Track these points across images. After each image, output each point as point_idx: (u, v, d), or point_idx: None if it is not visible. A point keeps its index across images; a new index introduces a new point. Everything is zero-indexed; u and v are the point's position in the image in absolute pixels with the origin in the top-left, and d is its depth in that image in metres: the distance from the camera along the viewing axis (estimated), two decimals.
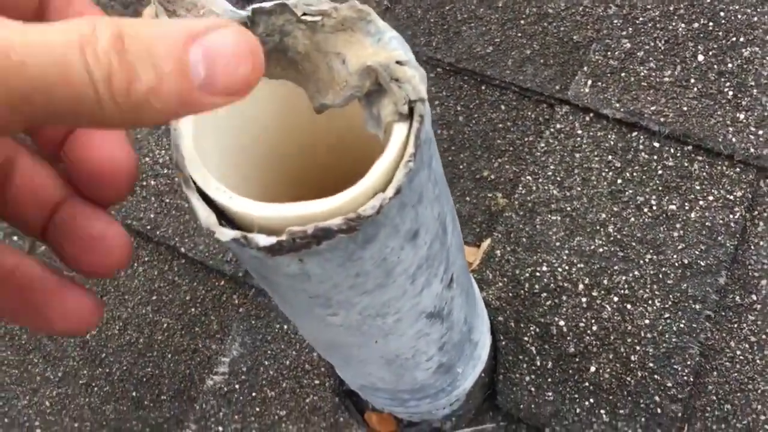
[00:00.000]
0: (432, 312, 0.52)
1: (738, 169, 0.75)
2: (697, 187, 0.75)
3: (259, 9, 0.36)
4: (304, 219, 0.33)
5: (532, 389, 0.73)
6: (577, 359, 0.73)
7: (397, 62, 0.35)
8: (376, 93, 0.37)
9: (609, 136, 0.79)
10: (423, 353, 0.57)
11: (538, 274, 0.76)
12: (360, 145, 0.46)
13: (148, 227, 0.92)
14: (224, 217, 0.35)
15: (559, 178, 0.79)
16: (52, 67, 0.22)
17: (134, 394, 0.89)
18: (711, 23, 0.80)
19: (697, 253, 0.73)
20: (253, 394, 0.83)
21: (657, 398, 0.70)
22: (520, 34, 0.86)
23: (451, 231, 0.50)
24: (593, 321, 0.73)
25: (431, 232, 0.44)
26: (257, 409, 0.82)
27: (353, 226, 0.34)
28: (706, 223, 0.73)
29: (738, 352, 0.70)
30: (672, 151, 0.77)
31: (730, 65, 0.78)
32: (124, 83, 0.23)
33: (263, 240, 0.33)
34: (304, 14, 0.37)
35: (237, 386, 0.84)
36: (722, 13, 0.80)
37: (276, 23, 0.37)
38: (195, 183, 0.35)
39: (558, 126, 0.81)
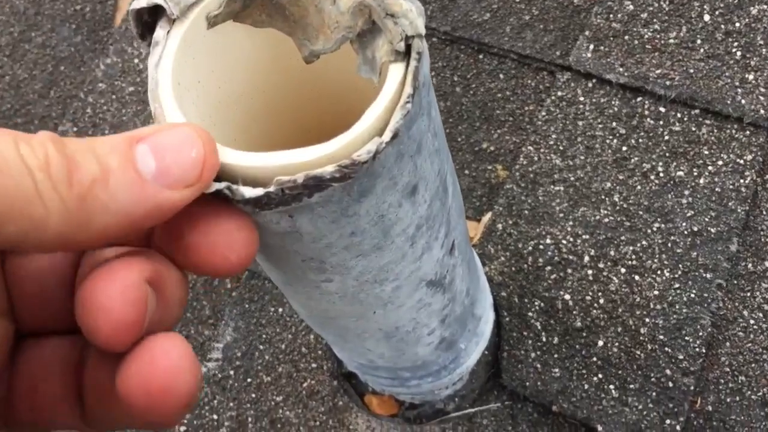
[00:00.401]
0: (433, 280, 0.49)
1: (748, 132, 0.72)
2: (706, 152, 0.72)
3: None
4: (294, 168, 0.30)
5: (538, 366, 0.70)
6: (584, 334, 0.70)
7: None
8: (369, 33, 0.35)
9: (613, 102, 0.76)
10: (424, 326, 0.54)
11: (541, 247, 0.73)
12: (355, 95, 0.43)
13: None
14: None
15: (561, 148, 0.76)
16: None
17: None
18: None
19: (706, 220, 0.70)
20: (249, 379, 0.80)
21: (668, 371, 0.67)
22: (518, 0, 0.83)
23: (452, 192, 0.47)
24: (600, 294, 0.70)
25: (431, 189, 0.42)
26: (253, 395, 0.79)
27: (347, 174, 0.31)
28: (716, 189, 0.70)
29: (751, 322, 0.67)
30: (678, 115, 0.74)
31: (737, 24, 0.75)
32: (64, 171, 0.21)
33: (249, 191, 0.30)
34: None
35: (231, 372, 0.81)
36: None
37: None
38: None
39: (559, 93, 0.78)
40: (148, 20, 0.34)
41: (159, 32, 0.34)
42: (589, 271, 0.71)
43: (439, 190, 0.43)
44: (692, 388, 0.66)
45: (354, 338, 0.56)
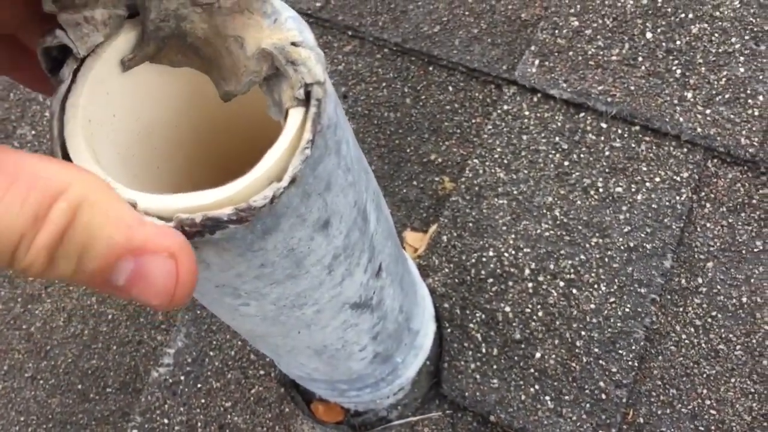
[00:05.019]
0: (357, 302, 0.50)
1: (685, 150, 0.73)
2: (644, 169, 0.73)
3: None
4: (193, 210, 0.31)
5: (477, 377, 0.71)
6: (522, 345, 0.71)
7: (292, 43, 0.34)
8: (275, 77, 0.35)
9: (556, 117, 0.77)
10: (354, 343, 0.55)
11: (484, 259, 0.74)
12: (270, 132, 0.44)
13: None
14: None
15: (506, 161, 0.77)
16: None
17: (80, 386, 0.87)
18: None
19: (642, 235, 0.71)
20: (199, 385, 0.81)
21: (602, 384, 0.69)
22: (467, 13, 0.84)
23: (375, 219, 0.48)
24: (539, 306, 0.72)
25: (347, 220, 0.42)
26: (202, 400, 0.80)
27: (244, 217, 0.32)
28: (653, 205, 0.72)
29: (683, 336, 0.69)
30: (619, 131, 0.75)
31: (678, 42, 0.76)
32: (40, 272, 0.24)
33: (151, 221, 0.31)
34: None
35: (182, 377, 0.82)
36: None
37: (169, 8, 0.35)
38: None
39: (505, 107, 0.79)
40: (58, 57, 0.34)
41: (65, 70, 0.34)
42: (529, 284, 0.73)
43: (357, 221, 0.44)
44: (625, 400, 0.68)
45: (286, 354, 0.57)
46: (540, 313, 0.72)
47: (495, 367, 0.71)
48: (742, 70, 0.74)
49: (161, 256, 0.27)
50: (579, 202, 0.74)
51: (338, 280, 0.45)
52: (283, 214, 0.35)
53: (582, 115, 0.76)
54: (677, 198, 0.72)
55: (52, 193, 0.24)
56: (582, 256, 0.72)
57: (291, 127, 0.33)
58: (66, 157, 0.32)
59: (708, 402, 0.68)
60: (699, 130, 0.73)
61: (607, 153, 0.74)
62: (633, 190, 0.73)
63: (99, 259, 0.25)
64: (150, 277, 0.26)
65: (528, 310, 0.72)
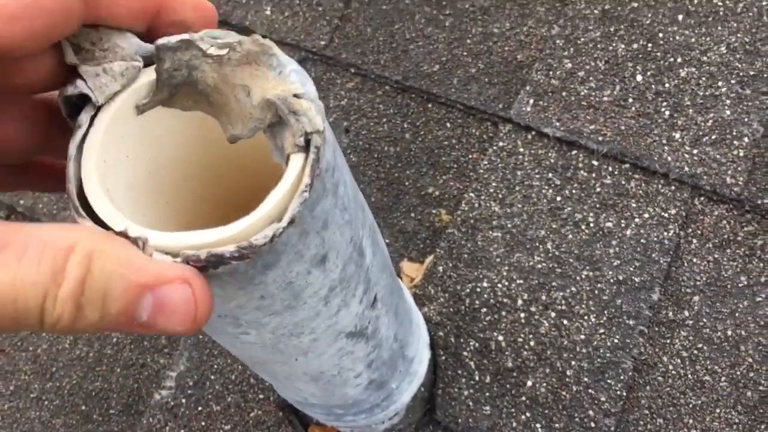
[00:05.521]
0: (353, 331, 0.52)
1: (673, 188, 0.76)
2: (633, 205, 0.76)
3: (164, 46, 0.36)
4: (199, 247, 0.34)
5: (470, 403, 0.74)
6: (514, 374, 0.74)
7: (295, 95, 0.36)
8: (278, 125, 0.38)
9: (549, 154, 0.80)
10: (350, 370, 0.58)
11: (478, 289, 0.77)
12: (273, 174, 0.47)
13: None
14: None
15: (500, 195, 0.80)
16: (11, 304, 0.25)
17: (83, 408, 0.90)
18: (650, 44, 0.81)
19: (631, 269, 0.74)
20: (199, 408, 0.83)
21: (591, 412, 0.71)
22: (465, 53, 0.87)
23: (371, 253, 0.51)
24: (531, 336, 0.74)
25: (343, 255, 0.45)
26: (203, 423, 0.83)
27: (246, 254, 0.34)
28: (641, 240, 0.75)
29: (670, 367, 0.72)
30: (610, 169, 0.78)
31: (667, 85, 0.79)
32: (69, 323, 0.26)
33: (159, 257, 0.33)
34: (211, 46, 0.37)
35: (183, 400, 0.84)
36: (661, 35, 0.81)
37: (182, 58, 0.37)
38: (93, 211, 0.35)
39: (501, 144, 0.82)
40: (77, 102, 0.37)
41: (83, 116, 0.37)
42: (522, 314, 0.75)
43: (353, 255, 0.46)
44: (613, 429, 0.70)
45: (284, 379, 0.59)
46: (532, 343, 0.74)
47: (487, 394, 0.74)
48: (728, 112, 0.77)
49: (176, 284, 0.29)
50: (570, 236, 0.76)
51: (334, 310, 0.48)
52: (282, 251, 0.37)
53: (574, 152, 0.79)
54: (665, 234, 0.74)
55: (64, 251, 0.26)
56: (573, 288, 0.75)
57: (291, 171, 0.36)
58: (82, 195, 0.35)
59: (694, 431, 0.70)
60: (686, 169, 0.76)
61: (598, 189, 0.77)
62: (622, 225, 0.76)
63: (120, 299, 0.27)
64: (171, 305, 0.29)
65: (520, 340, 0.74)
